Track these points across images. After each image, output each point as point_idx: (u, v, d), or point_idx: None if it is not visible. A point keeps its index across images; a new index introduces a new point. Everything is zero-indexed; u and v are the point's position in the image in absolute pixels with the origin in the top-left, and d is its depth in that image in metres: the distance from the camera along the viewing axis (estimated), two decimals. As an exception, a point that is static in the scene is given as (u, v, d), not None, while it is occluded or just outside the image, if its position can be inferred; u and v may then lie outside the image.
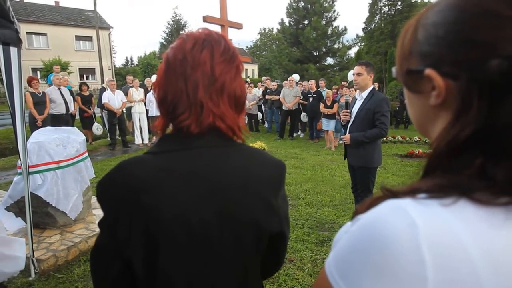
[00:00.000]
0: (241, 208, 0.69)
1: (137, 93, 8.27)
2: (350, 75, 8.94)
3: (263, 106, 11.02)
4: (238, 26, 5.06)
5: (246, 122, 11.02)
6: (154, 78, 5.70)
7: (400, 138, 8.85)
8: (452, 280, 0.35)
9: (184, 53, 0.69)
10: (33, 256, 2.66)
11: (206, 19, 4.44)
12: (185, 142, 0.69)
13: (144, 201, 0.63)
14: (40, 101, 6.65)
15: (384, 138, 7.83)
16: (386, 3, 25.42)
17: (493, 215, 0.37)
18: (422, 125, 0.50)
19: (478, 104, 0.39)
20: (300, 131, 10.25)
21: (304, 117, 9.16)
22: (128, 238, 0.63)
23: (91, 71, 28.91)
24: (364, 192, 3.26)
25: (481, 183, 0.39)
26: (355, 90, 3.77)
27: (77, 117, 8.02)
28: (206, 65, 0.69)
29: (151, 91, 7.94)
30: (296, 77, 10.71)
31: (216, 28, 4.65)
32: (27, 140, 2.77)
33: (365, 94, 3.16)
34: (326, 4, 20.85)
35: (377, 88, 3.82)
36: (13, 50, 2.39)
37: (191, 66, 0.68)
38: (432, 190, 0.40)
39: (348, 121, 3.31)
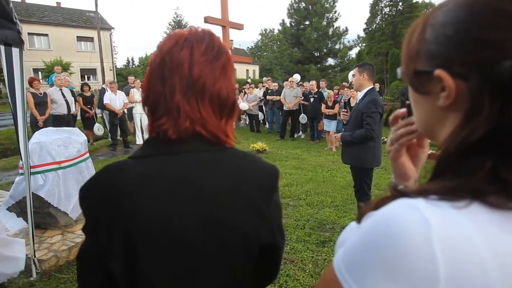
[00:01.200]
0: (228, 215, 0.66)
1: (138, 93, 8.28)
2: (350, 76, 8.93)
3: (264, 107, 11.04)
4: (239, 26, 5.06)
5: (247, 122, 11.04)
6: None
7: (401, 138, 8.81)
8: (462, 281, 0.35)
9: (162, 55, 0.67)
10: (35, 257, 2.66)
11: (207, 19, 4.45)
12: (169, 147, 0.66)
13: (126, 205, 0.61)
14: (41, 102, 6.67)
15: (385, 139, 7.80)
16: (387, 3, 25.39)
17: (505, 219, 0.37)
18: (429, 127, 0.49)
19: (489, 106, 0.38)
20: (301, 132, 10.26)
21: (303, 118, 9.10)
22: (109, 242, 0.61)
23: (92, 71, 28.98)
24: (359, 191, 3.25)
25: (493, 186, 0.38)
26: (356, 91, 3.78)
27: (79, 117, 8.05)
28: (184, 66, 0.65)
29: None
30: (297, 77, 10.69)
31: (217, 29, 4.66)
32: (28, 141, 2.77)
33: (360, 95, 3.18)
34: (327, 5, 20.88)
35: (377, 89, 3.81)
36: (15, 51, 2.40)
37: (169, 68, 0.66)
38: (442, 192, 0.39)
39: (348, 121, 3.33)
